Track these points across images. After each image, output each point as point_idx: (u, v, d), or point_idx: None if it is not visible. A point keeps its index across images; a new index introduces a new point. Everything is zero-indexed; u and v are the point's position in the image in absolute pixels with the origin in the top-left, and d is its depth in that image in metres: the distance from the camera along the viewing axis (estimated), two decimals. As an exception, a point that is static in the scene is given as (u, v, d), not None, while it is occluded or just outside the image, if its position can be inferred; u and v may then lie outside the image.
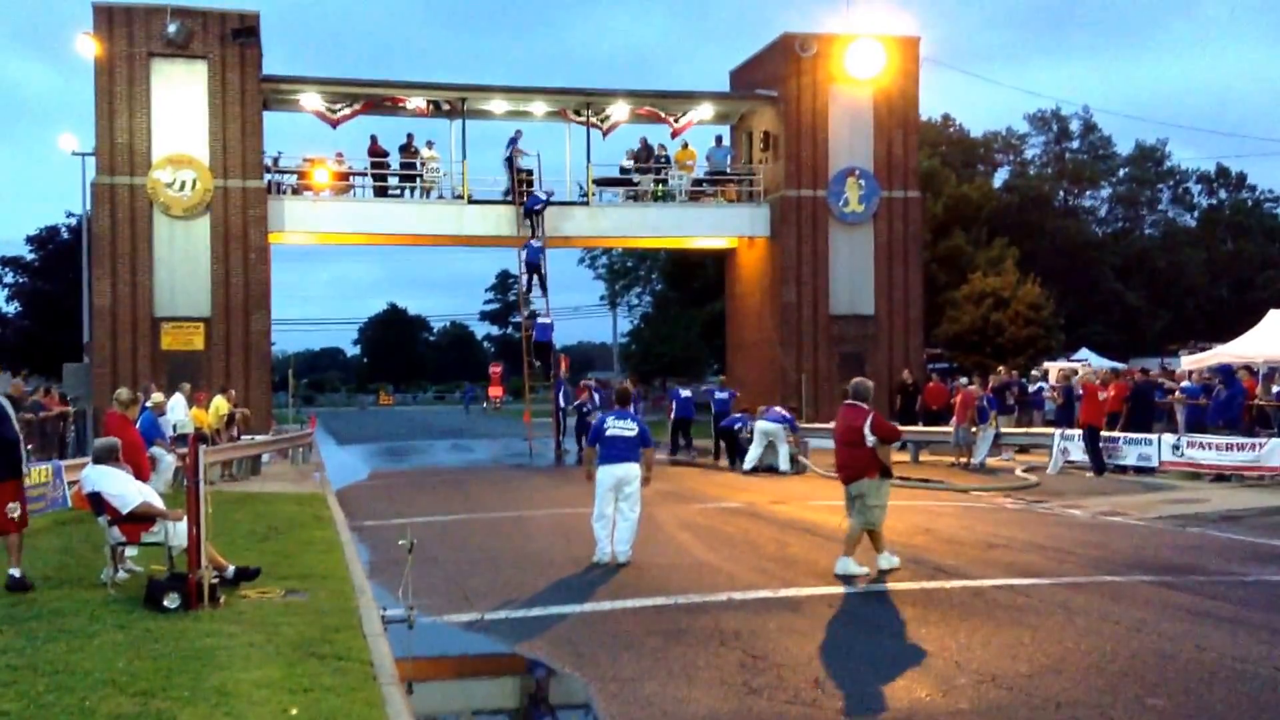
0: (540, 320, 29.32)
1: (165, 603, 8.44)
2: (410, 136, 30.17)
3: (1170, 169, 65.34)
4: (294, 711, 5.98)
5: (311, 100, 29.24)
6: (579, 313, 79.25)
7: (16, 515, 9.68)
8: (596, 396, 26.38)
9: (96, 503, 9.48)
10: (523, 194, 29.76)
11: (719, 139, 32.90)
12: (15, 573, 9.50)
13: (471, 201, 30.02)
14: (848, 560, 10.46)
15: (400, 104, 29.87)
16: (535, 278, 29.12)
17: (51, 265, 49.49)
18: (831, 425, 29.14)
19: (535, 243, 28.73)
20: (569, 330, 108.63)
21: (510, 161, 30.14)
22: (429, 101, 29.90)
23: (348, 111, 29.46)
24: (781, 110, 31.17)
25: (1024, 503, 16.78)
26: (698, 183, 32.12)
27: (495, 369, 74.88)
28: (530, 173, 30.36)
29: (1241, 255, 60.13)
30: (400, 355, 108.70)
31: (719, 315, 40.00)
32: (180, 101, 27.81)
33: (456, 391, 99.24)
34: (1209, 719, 6.23)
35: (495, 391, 71.41)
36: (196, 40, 27.78)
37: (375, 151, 30.25)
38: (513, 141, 30.24)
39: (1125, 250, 58.54)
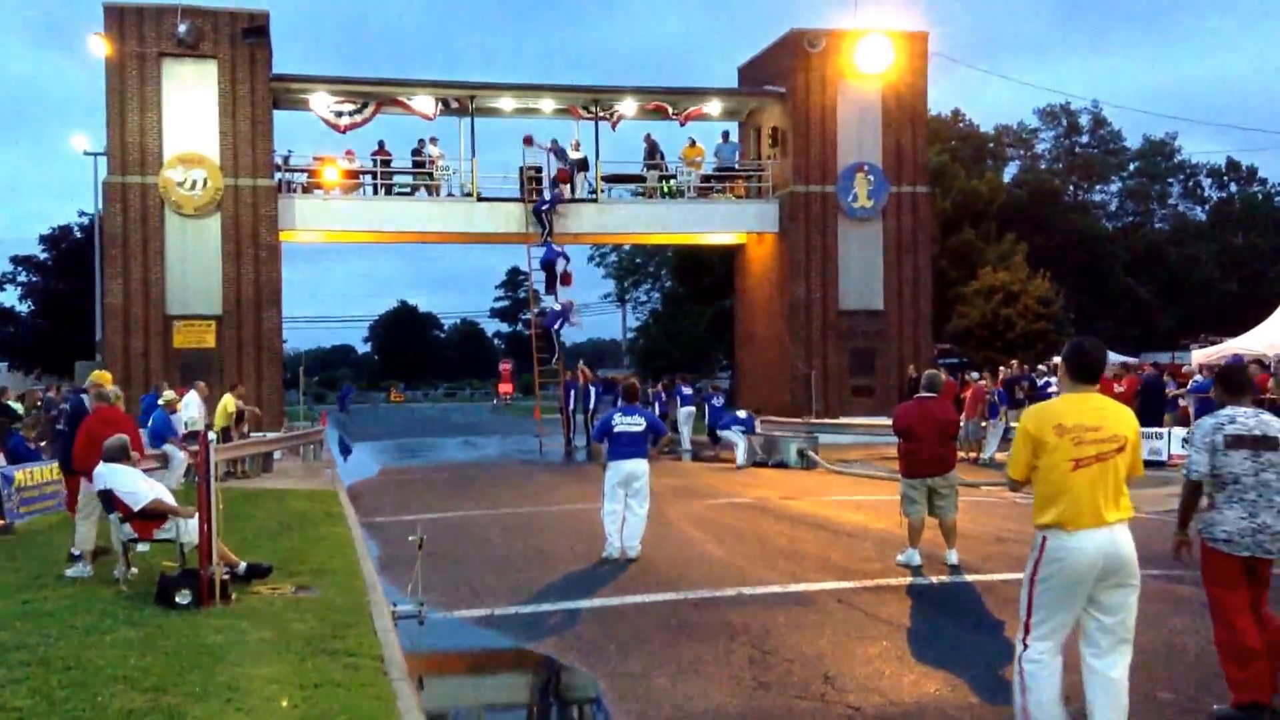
0: (551, 308, 29.49)
1: (177, 599, 8.49)
2: (421, 142, 30.24)
3: (1180, 163, 65.16)
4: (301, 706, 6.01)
5: (320, 103, 29.28)
6: (588, 309, 79.21)
7: None
8: (592, 390, 26.85)
9: (108, 500, 9.54)
10: (532, 192, 29.85)
11: (725, 135, 32.88)
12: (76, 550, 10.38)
13: (481, 199, 30.07)
14: (953, 551, 10.65)
15: (408, 107, 29.86)
16: (548, 277, 29.23)
17: (64, 264, 49.73)
18: (848, 421, 29.29)
19: (555, 246, 28.82)
20: (578, 327, 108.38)
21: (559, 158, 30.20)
22: (438, 100, 29.94)
23: (357, 119, 29.49)
24: (790, 106, 31.13)
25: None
26: (706, 179, 32.12)
27: (505, 366, 74.98)
28: (538, 169, 30.41)
29: (1252, 249, 59.88)
30: (411, 352, 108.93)
31: (728, 311, 40.00)
32: (191, 101, 27.93)
33: (467, 388, 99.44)
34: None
35: (505, 388, 71.51)
36: (206, 40, 27.90)
37: (383, 154, 30.35)
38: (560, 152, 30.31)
39: (1135, 244, 58.34)
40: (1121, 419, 5.24)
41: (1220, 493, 6.10)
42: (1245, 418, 6.09)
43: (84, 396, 11.39)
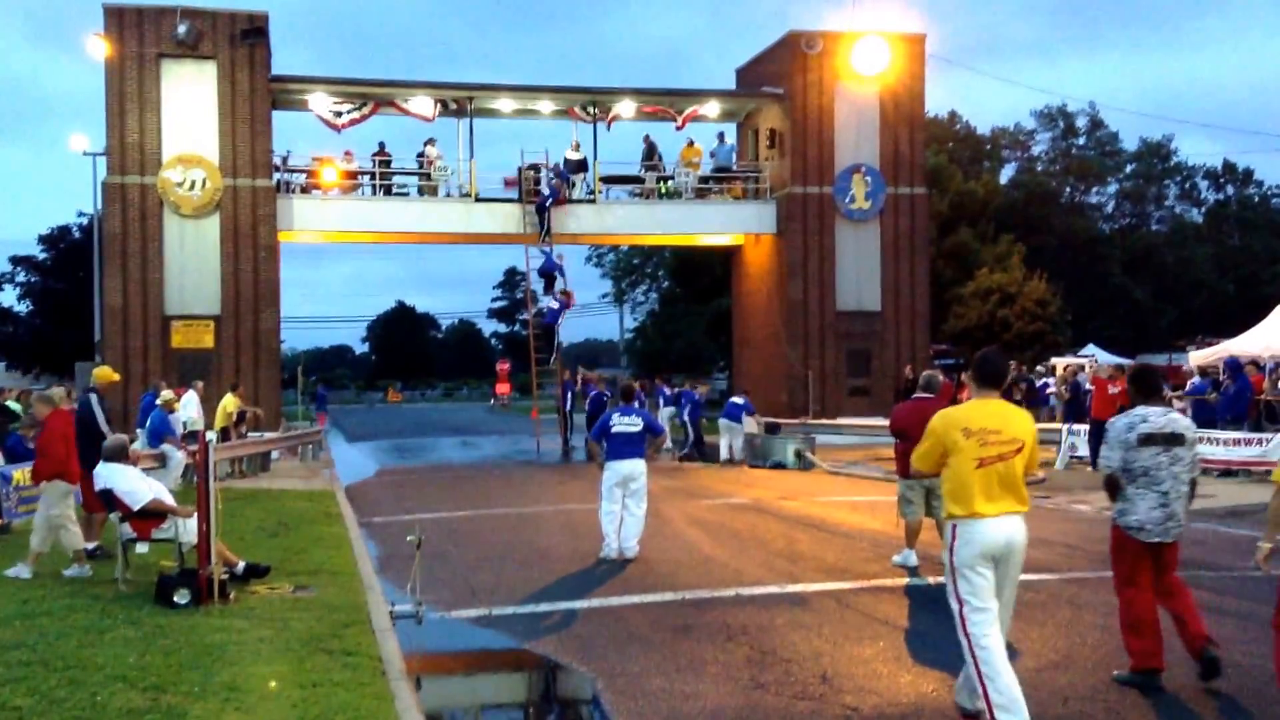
0: (549, 305, 29.46)
1: (176, 599, 8.50)
2: (427, 144, 30.28)
3: (1177, 165, 65.20)
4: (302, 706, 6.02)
5: (318, 103, 29.31)
6: (586, 310, 79.18)
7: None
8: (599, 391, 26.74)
9: (108, 499, 9.55)
10: (530, 193, 29.88)
11: (721, 136, 32.92)
12: (90, 546, 10.61)
13: (479, 199, 30.09)
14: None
15: (405, 110, 29.85)
16: (547, 283, 29.23)
17: (63, 264, 49.77)
18: (845, 421, 29.35)
19: (551, 253, 28.80)
20: (576, 327, 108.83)
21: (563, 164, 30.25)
22: (436, 101, 29.96)
23: (355, 116, 29.51)
24: (787, 107, 31.17)
25: (1030, 498, 16.74)
26: (704, 180, 32.15)
27: (502, 366, 74.94)
28: (537, 169, 30.43)
29: (1248, 250, 59.96)
30: (409, 353, 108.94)
31: (725, 312, 40.04)
32: (190, 101, 27.95)
33: (464, 389, 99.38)
34: (1217, 714, 6.25)
35: (502, 389, 71.49)
36: (206, 41, 27.94)
37: (382, 155, 30.37)
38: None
39: (1132, 246, 58.41)
40: (1020, 423, 5.87)
41: (1132, 484, 6.73)
42: (1155, 417, 6.76)
43: (91, 395, 11.48)
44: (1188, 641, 6.69)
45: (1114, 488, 6.80)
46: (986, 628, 5.61)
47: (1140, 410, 6.85)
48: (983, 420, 5.78)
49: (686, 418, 25.44)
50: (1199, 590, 9.38)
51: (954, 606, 5.74)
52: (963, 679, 5.92)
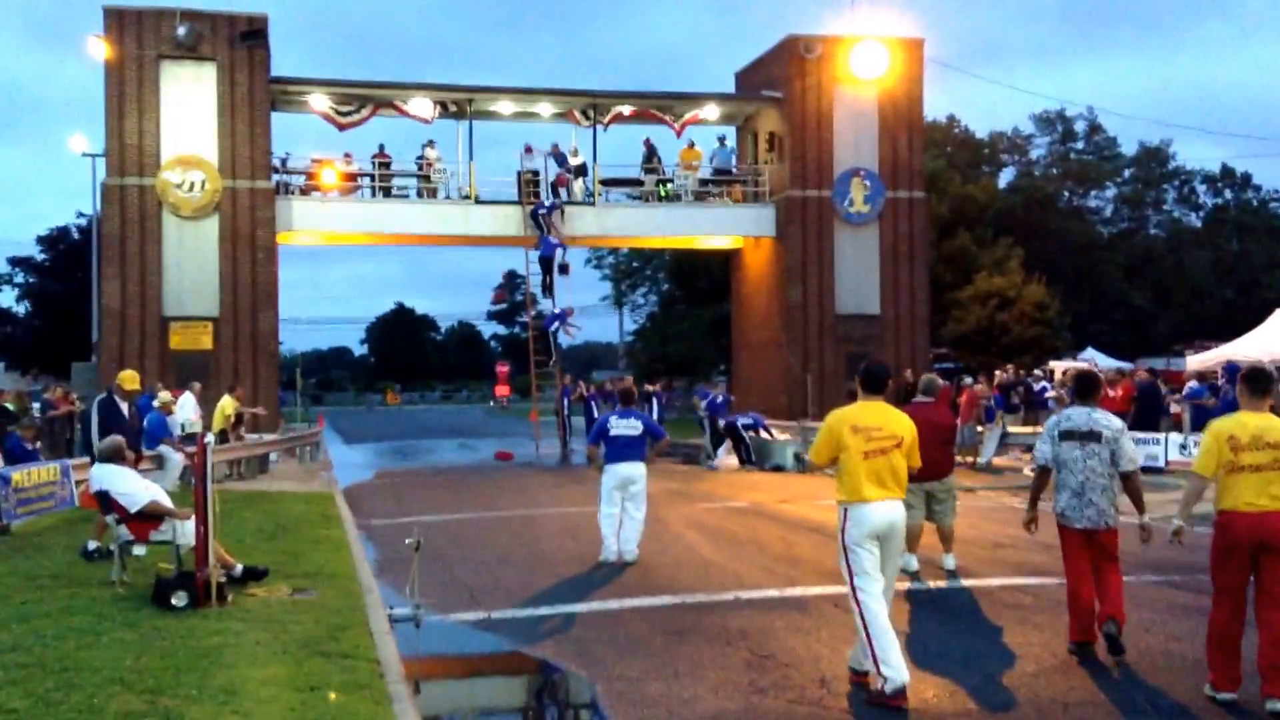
0: (549, 311, 29.44)
1: (173, 601, 8.47)
2: (428, 145, 30.28)
3: (1175, 169, 65.20)
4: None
5: (320, 102, 29.31)
6: (585, 312, 78.99)
7: None
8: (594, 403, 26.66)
9: (104, 501, 9.52)
10: (530, 196, 29.85)
11: (721, 140, 32.93)
12: (91, 545, 10.77)
13: (479, 201, 30.08)
14: (950, 556, 10.74)
15: (404, 112, 29.84)
16: (547, 277, 29.15)
17: (61, 265, 49.67)
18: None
19: (552, 238, 28.74)
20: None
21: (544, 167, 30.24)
22: (436, 103, 29.95)
23: (356, 117, 29.48)
24: (787, 111, 31.18)
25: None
26: (703, 183, 32.16)
27: (502, 368, 74.95)
28: (536, 173, 30.42)
29: (1247, 255, 59.97)
30: (407, 355, 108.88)
31: (725, 315, 40.00)
32: (189, 103, 27.94)
33: (464, 391, 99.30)
34: (1218, 715, 6.23)
35: (502, 391, 71.52)
36: (205, 42, 27.92)
37: (382, 157, 30.36)
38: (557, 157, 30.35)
39: (1131, 250, 58.42)
40: (900, 423, 6.81)
41: (1059, 475, 7.56)
42: (1078, 415, 7.56)
43: (96, 400, 11.53)
44: (1098, 616, 7.39)
45: (1043, 479, 7.71)
46: (873, 596, 6.49)
47: (1067, 410, 7.74)
48: (868, 419, 6.71)
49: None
50: (1198, 595, 9.37)
51: (845, 578, 6.63)
52: (857, 645, 6.64)
